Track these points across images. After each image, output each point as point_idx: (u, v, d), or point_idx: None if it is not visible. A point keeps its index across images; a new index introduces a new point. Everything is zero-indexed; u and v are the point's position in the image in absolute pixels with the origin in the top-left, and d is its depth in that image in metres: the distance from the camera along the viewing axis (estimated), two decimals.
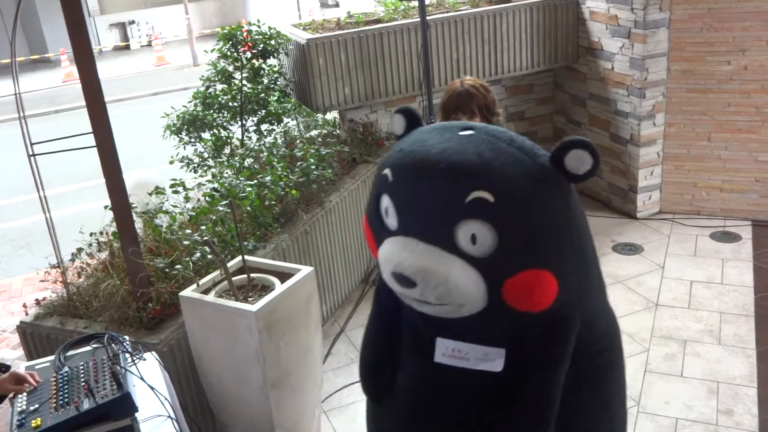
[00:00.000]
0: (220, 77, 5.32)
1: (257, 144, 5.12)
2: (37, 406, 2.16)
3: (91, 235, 3.63)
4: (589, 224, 2.02)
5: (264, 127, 5.43)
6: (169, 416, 2.34)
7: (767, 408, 3.39)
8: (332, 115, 5.63)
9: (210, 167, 5.24)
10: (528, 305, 1.82)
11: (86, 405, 2.12)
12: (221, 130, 5.41)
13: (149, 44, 19.31)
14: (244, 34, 5.14)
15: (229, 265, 3.07)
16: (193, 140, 5.44)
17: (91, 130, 2.96)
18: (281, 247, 3.74)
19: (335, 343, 4.20)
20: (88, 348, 2.49)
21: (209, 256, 3.27)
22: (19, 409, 2.16)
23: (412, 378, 2.16)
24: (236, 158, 4.64)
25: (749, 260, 4.71)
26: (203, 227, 3.52)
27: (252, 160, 4.49)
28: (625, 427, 2.37)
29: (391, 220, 1.89)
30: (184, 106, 5.45)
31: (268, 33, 5.13)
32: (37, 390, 2.26)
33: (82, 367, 2.32)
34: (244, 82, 5.27)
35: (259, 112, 5.35)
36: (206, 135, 5.44)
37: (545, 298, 1.81)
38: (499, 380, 1.98)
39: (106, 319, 3.15)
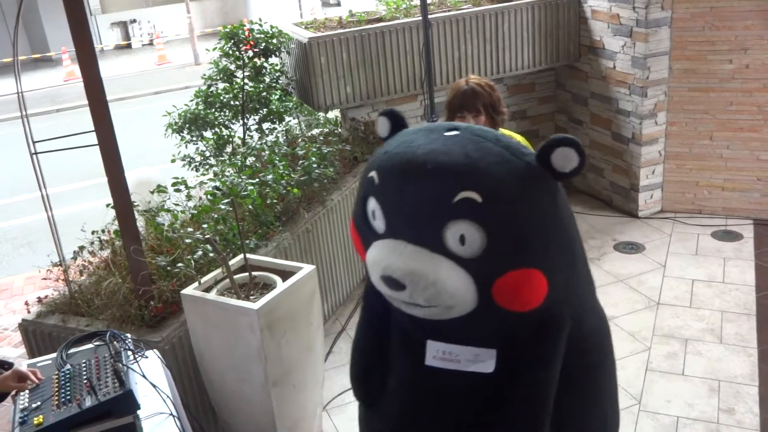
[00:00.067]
0: (221, 76, 5.32)
1: (259, 142, 5.12)
2: (39, 403, 2.17)
3: (93, 233, 3.64)
4: (577, 222, 2.02)
5: (266, 125, 5.43)
6: (171, 414, 2.35)
7: None
8: (334, 114, 5.63)
9: (212, 166, 5.24)
10: (518, 305, 1.81)
11: (88, 402, 2.13)
12: (223, 129, 5.41)
13: (151, 43, 19.31)
14: (246, 32, 5.14)
15: (230, 263, 3.07)
16: (194, 139, 5.44)
17: (92, 129, 2.96)
18: (283, 245, 3.74)
19: (337, 341, 4.21)
20: (90, 346, 2.49)
21: (211, 255, 3.28)
22: (21, 407, 2.17)
23: (402, 381, 2.15)
24: (238, 157, 4.64)
25: (751, 259, 4.71)
26: (205, 225, 3.52)
27: (254, 159, 4.49)
28: (617, 425, 2.37)
29: (379, 223, 1.87)
30: (186, 105, 5.45)
31: (270, 32, 5.13)
32: (40, 387, 2.26)
33: (84, 365, 2.33)
34: (246, 80, 5.27)
35: (261, 111, 5.35)
36: (208, 133, 5.44)
37: (535, 297, 1.81)
38: (491, 381, 1.98)
39: (108, 317, 3.15)
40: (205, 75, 5.46)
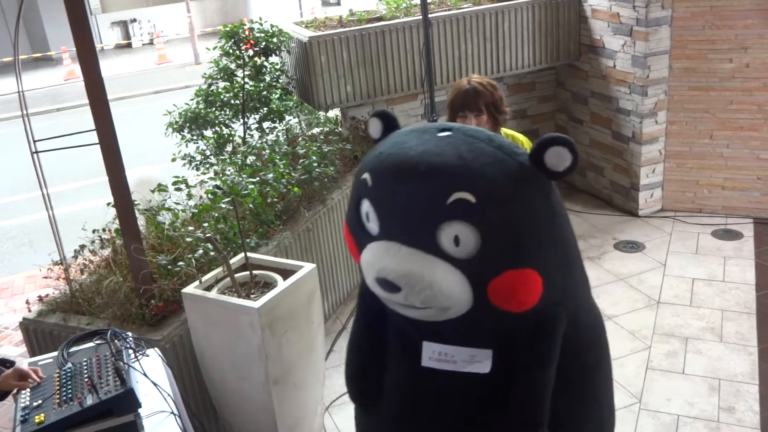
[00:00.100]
0: (222, 75, 5.32)
1: (259, 141, 5.12)
2: (40, 401, 2.17)
3: (93, 232, 3.64)
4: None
5: (266, 124, 5.44)
6: (172, 412, 2.35)
7: None
8: (334, 113, 5.63)
9: (212, 165, 5.24)
10: (514, 305, 1.81)
11: (89, 401, 2.13)
12: (223, 128, 5.42)
13: (151, 42, 19.32)
14: (247, 31, 5.14)
15: (231, 262, 3.07)
16: (195, 138, 5.44)
17: (93, 128, 2.96)
18: (283, 244, 3.74)
19: (337, 340, 4.21)
20: (91, 344, 2.50)
21: (212, 253, 3.28)
22: (22, 405, 2.17)
23: (398, 382, 2.14)
24: (238, 156, 4.64)
25: (751, 258, 4.71)
26: (206, 224, 3.52)
27: (254, 158, 4.50)
28: (613, 425, 2.37)
29: (372, 225, 1.87)
30: (187, 104, 5.46)
31: (270, 31, 5.13)
32: (41, 386, 2.26)
33: (85, 363, 2.33)
34: (246, 79, 5.27)
35: (261, 110, 5.36)
36: (208, 132, 5.44)
37: (530, 297, 1.80)
38: (487, 382, 1.98)
39: (109, 316, 3.16)
40: (205, 74, 5.46)
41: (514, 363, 1.95)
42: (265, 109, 5.35)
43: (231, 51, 5.20)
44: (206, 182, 4.12)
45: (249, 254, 3.16)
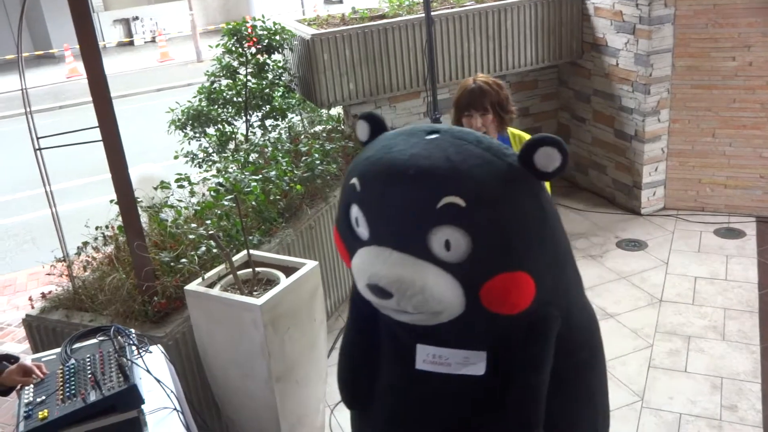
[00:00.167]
0: (224, 72, 5.33)
1: (262, 139, 5.13)
2: (44, 397, 2.18)
3: (96, 229, 3.65)
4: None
5: (268, 122, 5.44)
6: (175, 408, 2.36)
7: None
8: (336, 111, 5.63)
9: (215, 162, 5.25)
10: (507, 308, 1.80)
11: (93, 397, 2.14)
12: (226, 126, 5.42)
13: (153, 40, 19.32)
14: (249, 29, 5.15)
15: (234, 259, 3.08)
16: (197, 135, 5.45)
17: (96, 125, 2.97)
18: (286, 241, 3.75)
19: (340, 337, 4.21)
20: (94, 340, 2.51)
21: (214, 250, 3.28)
22: (26, 401, 2.18)
23: (392, 385, 2.14)
24: (241, 153, 4.65)
25: (753, 256, 4.71)
26: (208, 221, 3.53)
27: (257, 155, 4.50)
28: (608, 426, 2.37)
29: (362, 230, 1.86)
30: (189, 102, 5.46)
31: (273, 28, 5.13)
32: (44, 382, 2.27)
33: (88, 360, 2.34)
34: (249, 77, 5.27)
35: (264, 108, 5.36)
36: (211, 130, 5.45)
37: (523, 300, 1.80)
38: (481, 384, 1.97)
39: (112, 313, 3.16)
40: (207, 72, 5.47)
41: (508, 365, 1.94)
42: (268, 106, 5.35)
43: (233, 48, 5.20)
44: (209, 179, 4.12)
45: (252, 251, 3.16)
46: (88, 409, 2.11)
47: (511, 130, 3.02)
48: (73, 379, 2.24)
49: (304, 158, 4.25)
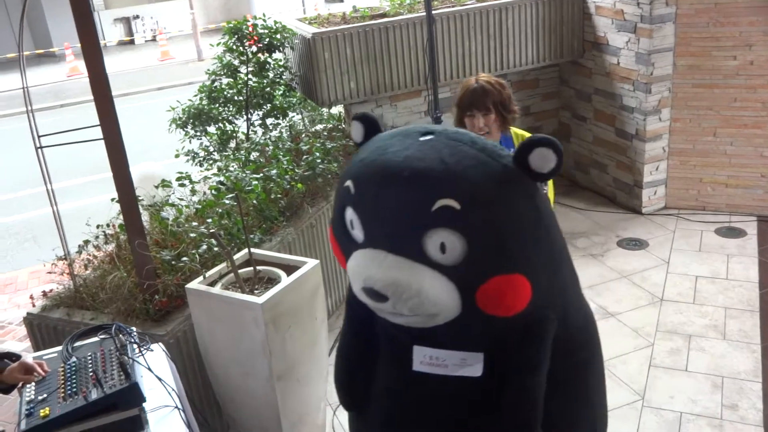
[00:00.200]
0: (225, 71, 5.33)
1: (263, 138, 5.13)
2: (45, 395, 2.18)
3: (97, 227, 3.65)
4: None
5: (269, 121, 5.44)
6: (176, 407, 2.36)
7: None
8: (337, 110, 5.63)
9: (216, 161, 5.25)
10: (503, 310, 1.80)
11: (94, 395, 2.14)
12: (227, 124, 5.42)
13: (154, 39, 19.32)
14: (250, 28, 5.15)
15: (235, 257, 3.08)
16: (198, 134, 5.45)
17: (97, 123, 2.97)
18: (287, 240, 3.75)
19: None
20: (95, 339, 2.50)
21: (215, 249, 3.29)
22: (27, 399, 2.18)
23: (389, 387, 2.13)
24: (242, 152, 4.65)
25: (754, 256, 4.70)
26: (209, 220, 3.53)
27: (258, 154, 4.50)
28: (606, 425, 2.37)
29: (357, 233, 1.85)
30: (190, 100, 5.46)
31: (274, 27, 5.13)
32: (46, 380, 2.27)
33: (89, 358, 2.34)
34: (250, 76, 5.27)
35: (265, 106, 5.36)
36: (212, 129, 5.45)
37: (519, 302, 1.79)
38: (478, 386, 1.97)
39: (113, 311, 3.17)
40: (208, 70, 5.47)
41: (505, 366, 1.94)
42: (269, 105, 5.35)
43: (234, 47, 5.20)
44: (210, 178, 4.12)
45: (253, 250, 3.17)
46: (90, 407, 2.11)
47: (514, 129, 3.02)
48: (74, 377, 2.25)
49: (305, 157, 4.26)
